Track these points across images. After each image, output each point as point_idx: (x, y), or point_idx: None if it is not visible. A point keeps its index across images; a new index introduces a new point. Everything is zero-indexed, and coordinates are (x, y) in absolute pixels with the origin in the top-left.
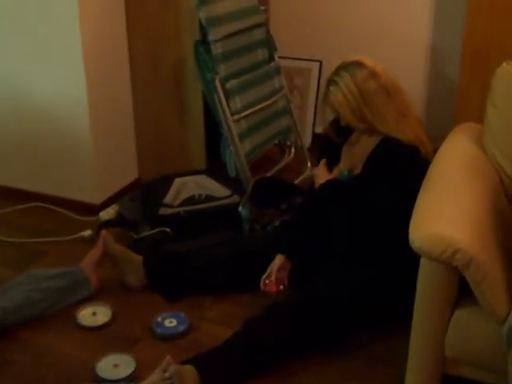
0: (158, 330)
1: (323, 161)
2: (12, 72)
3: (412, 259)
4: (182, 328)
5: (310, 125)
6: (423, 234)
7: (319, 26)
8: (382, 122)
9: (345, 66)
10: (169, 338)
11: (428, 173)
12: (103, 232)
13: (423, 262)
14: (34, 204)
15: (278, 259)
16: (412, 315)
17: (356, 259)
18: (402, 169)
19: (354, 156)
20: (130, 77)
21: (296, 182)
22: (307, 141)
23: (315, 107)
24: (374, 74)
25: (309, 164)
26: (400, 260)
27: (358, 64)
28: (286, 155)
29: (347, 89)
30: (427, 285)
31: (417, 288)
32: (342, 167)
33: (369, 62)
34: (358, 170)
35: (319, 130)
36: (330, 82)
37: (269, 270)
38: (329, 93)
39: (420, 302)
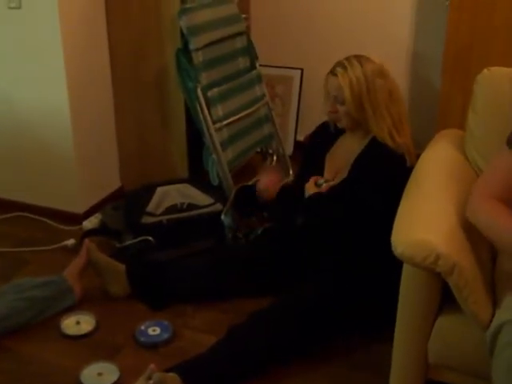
0: (142, 339)
1: (313, 178)
2: None
3: (396, 264)
4: (165, 336)
5: (291, 133)
6: (405, 239)
7: (300, 34)
8: (378, 120)
9: (356, 56)
10: (152, 346)
11: (410, 179)
12: (86, 241)
13: (406, 268)
14: (16, 214)
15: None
16: (394, 321)
17: (341, 264)
18: (388, 173)
19: (339, 161)
20: (111, 86)
21: None
22: (289, 149)
23: (297, 115)
24: (382, 73)
25: (291, 172)
26: (384, 265)
27: (370, 59)
28: (268, 163)
29: (355, 75)
30: (410, 291)
31: (399, 294)
32: (327, 175)
33: (379, 61)
34: (342, 175)
35: (301, 137)
36: (339, 65)
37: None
38: (333, 76)
39: (402, 308)
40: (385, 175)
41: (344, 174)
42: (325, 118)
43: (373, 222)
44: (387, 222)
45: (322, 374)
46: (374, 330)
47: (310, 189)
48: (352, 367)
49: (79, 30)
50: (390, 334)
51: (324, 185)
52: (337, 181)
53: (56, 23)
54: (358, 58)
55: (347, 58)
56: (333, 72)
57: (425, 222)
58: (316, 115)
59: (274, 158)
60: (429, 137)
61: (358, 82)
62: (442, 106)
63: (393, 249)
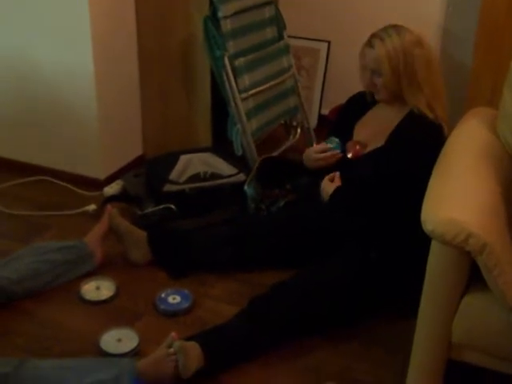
0: (162, 306)
1: (328, 176)
2: (19, 44)
3: (424, 240)
4: (185, 305)
5: (316, 106)
6: (436, 217)
7: (329, 6)
8: (415, 91)
9: (394, 26)
10: (172, 314)
11: (440, 156)
12: (109, 207)
13: (434, 245)
14: (38, 177)
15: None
16: (419, 299)
17: (368, 238)
18: (426, 143)
19: (372, 130)
20: (137, 52)
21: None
22: (313, 122)
23: (322, 88)
24: (421, 43)
25: (314, 144)
26: (412, 240)
27: (408, 29)
28: (292, 135)
29: (392, 46)
30: (437, 269)
31: (426, 271)
32: (357, 139)
33: (416, 31)
34: (376, 144)
35: (325, 111)
36: (375, 36)
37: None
38: (370, 48)
39: (429, 286)
40: (423, 145)
41: (379, 142)
42: (351, 93)
43: (406, 193)
44: (419, 195)
45: (343, 351)
46: (395, 307)
47: (327, 187)
48: (372, 344)
49: None
50: (412, 311)
51: (350, 148)
52: (371, 148)
53: None
54: (396, 27)
55: (384, 29)
56: (370, 43)
57: (456, 201)
58: (341, 89)
59: (298, 130)
60: (458, 115)
61: (396, 52)
62: (472, 84)
63: (422, 226)
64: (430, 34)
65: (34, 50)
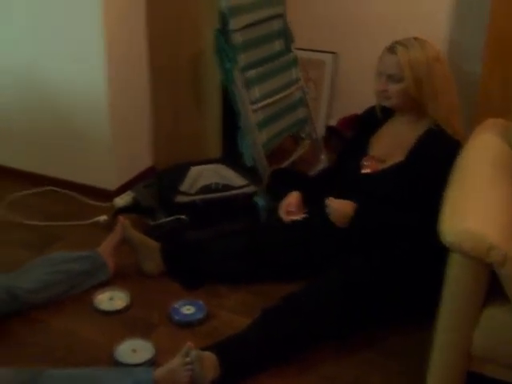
0: (176, 317)
1: (341, 205)
2: (30, 57)
3: (442, 252)
4: (199, 315)
5: (323, 117)
6: (456, 229)
7: (335, 17)
8: (437, 105)
9: (415, 38)
10: (187, 324)
11: (455, 168)
12: (121, 218)
13: (453, 257)
14: (48, 188)
15: (293, 197)
16: (434, 309)
17: (385, 249)
18: (449, 162)
19: (388, 143)
20: (148, 65)
21: (310, 173)
22: (321, 133)
23: (329, 99)
24: (440, 59)
25: (322, 156)
26: (429, 251)
27: (429, 43)
28: (300, 147)
29: (415, 56)
30: (456, 281)
31: (445, 283)
32: (373, 154)
33: (436, 46)
34: (394, 159)
35: (332, 122)
36: (398, 43)
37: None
38: (391, 54)
39: (448, 298)
40: (445, 163)
41: (397, 158)
42: (357, 104)
43: (425, 208)
44: (436, 209)
45: (358, 361)
46: (411, 317)
47: (342, 208)
48: (388, 354)
49: (118, 11)
50: (428, 322)
51: (366, 164)
52: (389, 163)
53: (96, 2)
54: (419, 40)
55: (406, 39)
56: (391, 49)
57: (474, 212)
58: (348, 100)
59: (307, 142)
60: (468, 126)
61: (419, 63)
62: (481, 95)
63: (441, 237)
64: (436, 44)
65: (47, 66)
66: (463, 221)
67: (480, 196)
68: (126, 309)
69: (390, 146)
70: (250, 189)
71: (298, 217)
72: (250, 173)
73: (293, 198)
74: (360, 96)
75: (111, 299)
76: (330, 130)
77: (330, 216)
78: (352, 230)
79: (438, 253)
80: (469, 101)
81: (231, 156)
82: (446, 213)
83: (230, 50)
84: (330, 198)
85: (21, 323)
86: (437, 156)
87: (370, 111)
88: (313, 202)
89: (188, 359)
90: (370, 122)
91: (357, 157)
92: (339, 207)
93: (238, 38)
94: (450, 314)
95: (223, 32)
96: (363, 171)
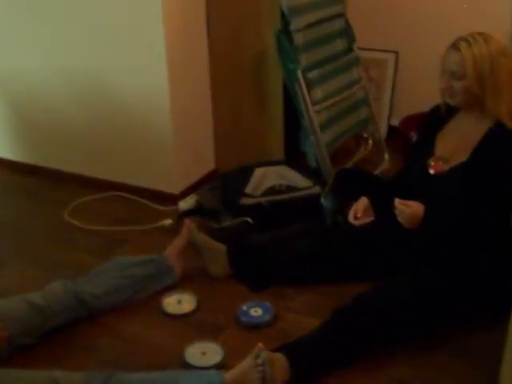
0: (244, 319)
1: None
2: (93, 64)
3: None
4: (267, 317)
5: (385, 117)
6: None
7: (396, 16)
8: (498, 99)
9: (480, 33)
10: (254, 326)
11: None
12: (187, 221)
13: None
14: (112, 193)
15: (361, 203)
16: (504, 308)
17: (448, 255)
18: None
19: (454, 142)
20: (209, 68)
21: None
22: (383, 133)
23: (391, 99)
24: (505, 52)
25: (386, 156)
26: (492, 259)
27: (494, 37)
28: (363, 147)
29: (479, 51)
30: None
31: None
32: (438, 153)
33: (502, 41)
34: (460, 157)
35: (394, 122)
36: (462, 39)
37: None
38: (455, 51)
39: None
40: (510, 163)
41: (461, 157)
42: (420, 104)
43: (493, 215)
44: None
45: (425, 363)
46: (478, 317)
47: (412, 211)
48: (456, 356)
49: (180, 13)
50: (494, 321)
51: (433, 164)
52: (454, 162)
53: (159, 8)
54: (483, 34)
55: (471, 34)
56: (455, 46)
57: None
58: (410, 99)
59: (370, 142)
60: None
61: (482, 59)
62: None
63: None
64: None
65: (112, 72)
66: None
67: None
68: (194, 312)
69: (455, 145)
70: (315, 190)
71: (367, 220)
72: (314, 174)
73: (361, 205)
74: (422, 95)
75: (179, 302)
76: (392, 129)
77: (399, 218)
78: (421, 232)
79: (508, 253)
80: None
81: (294, 157)
82: None
83: (292, 50)
84: (398, 200)
85: (89, 328)
86: (499, 155)
87: (435, 110)
88: (382, 206)
89: (259, 361)
90: (434, 120)
91: (423, 157)
92: (408, 208)
93: (299, 38)
94: None
95: (285, 32)
96: (430, 172)
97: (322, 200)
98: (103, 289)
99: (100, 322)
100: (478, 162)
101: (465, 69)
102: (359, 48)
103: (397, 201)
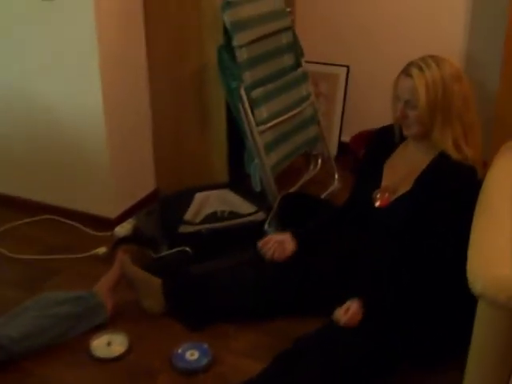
0: (179, 364)
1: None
2: (26, 83)
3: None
4: (204, 361)
5: (336, 133)
6: (486, 277)
7: (347, 29)
8: (445, 128)
9: (432, 56)
10: (191, 372)
11: (479, 201)
12: (120, 253)
13: (482, 307)
14: (45, 216)
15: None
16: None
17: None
18: (456, 192)
19: (400, 171)
20: (148, 85)
21: (323, 195)
22: (333, 150)
23: (342, 114)
24: (460, 78)
25: (336, 175)
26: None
27: (447, 60)
28: (312, 166)
29: (432, 78)
30: (485, 335)
31: (472, 337)
32: (386, 183)
33: (456, 64)
34: (405, 188)
35: (345, 138)
36: (413, 65)
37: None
38: (406, 77)
39: (477, 351)
40: (454, 194)
41: (407, 187)
42: (371, 119)
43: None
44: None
45: None
46: (427, 364)
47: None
48: None
49: (116, 27)
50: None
51: (379, 197)
52: (400, 192)
53: (91, 18)
54: (435, 58)
55: (422, 58)
56: (407, 72)
57: (506, 256)
58: (362, 115)
59: (319, 160)
60: (484, 145)
61: (435, 84)
62: (498, 111)
63: (470, 286)
64: (451, 57)
65: (45, 91)
66: (494, 266)
67: (509, 236)
68: (126, 354)
69: (403, 174)
70: (259, 216)
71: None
72: (259, 198)
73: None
74: (374, 111)
75: (109, 344)
76: (343, 146)
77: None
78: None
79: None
80: (485, 116)
81: (238, 180)
82: (473, 257)
83: (234, 67)
84: (337, 311)
85: (7, 374)
86: (442, 185)
87: (385, 131)
88: (325, 236)
89: None
90: (383, 143)
91: (369, 189)
92: (344, 316)
93: (243, 55)
94: (479, 368)
95: (227, 48)
96: (376, 205)
97: (266, 227)
98: (23, 331)
99: (19, 368)
100: (419, 193)
101: (418, 96)
102: (308, 62)
103: (336, 312)
